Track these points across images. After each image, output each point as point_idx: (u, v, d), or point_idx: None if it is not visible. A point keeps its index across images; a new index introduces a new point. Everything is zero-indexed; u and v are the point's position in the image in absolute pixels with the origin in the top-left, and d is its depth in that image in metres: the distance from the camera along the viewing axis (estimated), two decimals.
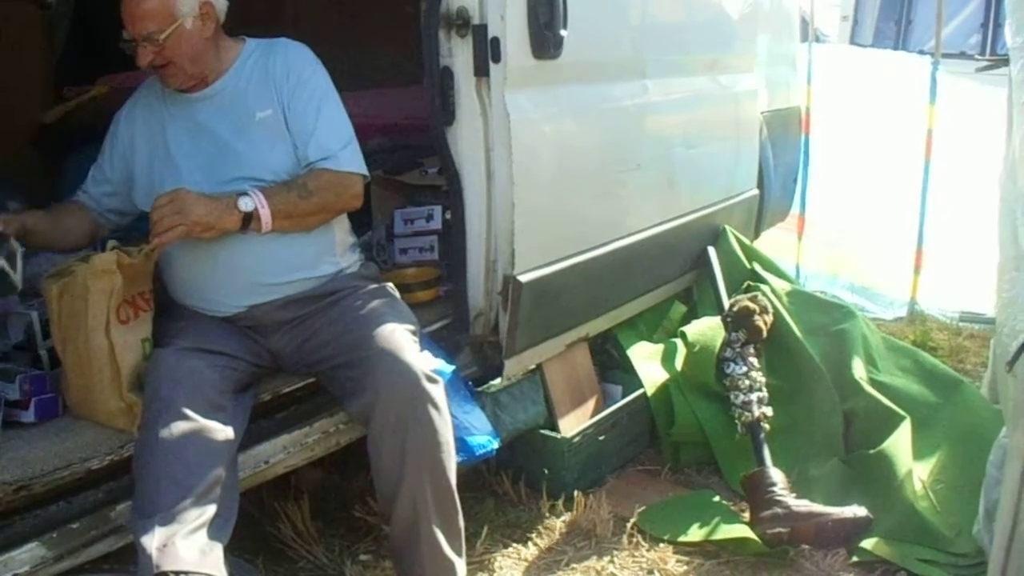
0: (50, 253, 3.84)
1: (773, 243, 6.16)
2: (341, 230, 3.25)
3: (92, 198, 3.26)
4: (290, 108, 3.10)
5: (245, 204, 2.91)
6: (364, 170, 3.18)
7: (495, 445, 3.42)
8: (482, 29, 3.39)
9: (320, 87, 3.16)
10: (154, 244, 2.85)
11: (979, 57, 9.95)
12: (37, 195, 4.18)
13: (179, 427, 2.70)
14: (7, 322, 3.24)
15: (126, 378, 2.87)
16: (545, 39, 3.49)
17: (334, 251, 3.20)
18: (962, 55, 10.60)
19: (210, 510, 2.65)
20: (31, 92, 4.97)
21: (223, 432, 2.77)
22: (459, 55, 3.42)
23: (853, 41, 12.26)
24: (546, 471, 3.89)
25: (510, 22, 3.41)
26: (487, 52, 3.40)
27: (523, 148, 3.48)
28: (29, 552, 2.50)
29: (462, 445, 3.22)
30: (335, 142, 3.11)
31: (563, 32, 3.52)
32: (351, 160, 3.13)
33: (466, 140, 3.47)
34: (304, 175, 3.06)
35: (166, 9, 2.94)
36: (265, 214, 2.93)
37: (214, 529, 2.65)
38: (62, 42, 5.37)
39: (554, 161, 3.71)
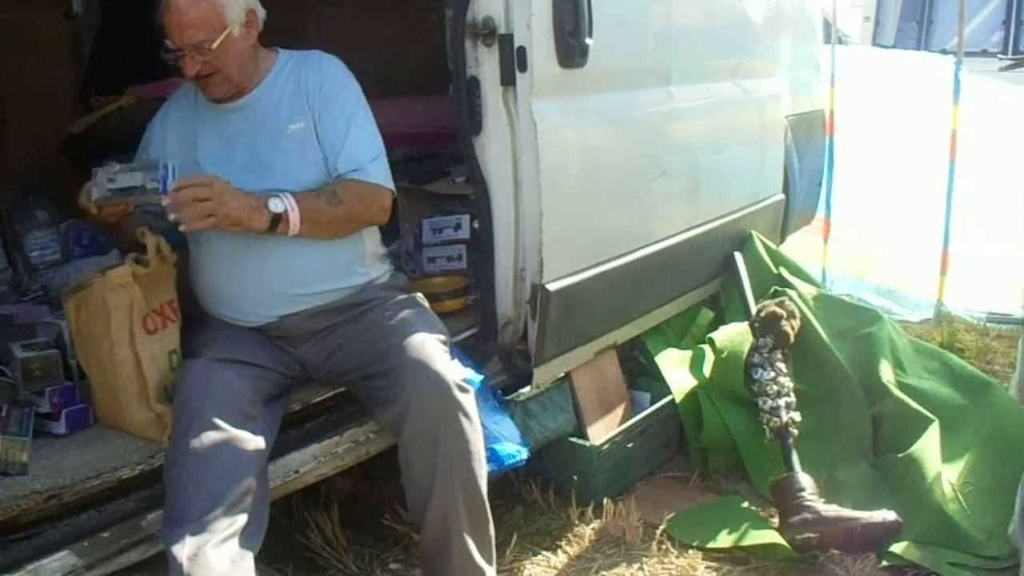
0: (78, 262, 3.89)
1: (799, 247, 6.15)
2: (371, 241, 3.26)
3: None
4: (321, 120, 3.10)
5: (275, 205, 2.91)
6: (392, 185, 3.18)
7: (524, 455, 3.43)
8: (508, 38, 3.39)
9: (351, 100, 3.17)
10: (184, 229, 2.84)
11: (1001, 56, 9.91)
12: (65, 205, 4.21)
13: (210, 437, 2.72)
14: (37, 332, 3.26)
15: (153, 389, 2.89)
16: (571, 48, 3.49)
17: (364, 261, 3.21)
18: (984, 53, 10.58)
19: (241, 519, 2.68)
20: (58, 102, 4.99)
21: (253, 442, 2.79)
22: (485, 64, 3.42)
23: (875, 42, 12.23)
24: (575, 478, 3.89)
25: (536, 31, 3.41)
26: (513, 61, 3.41)
27: (550, 157, 3.48)
28: (60, 560, 2.52)
29: (492, 455, 3.23)
30: (365, 155, 3.12)
31: (589, 41, 3.51)
32: (380, 173, 3.14)
33: (493, 149, 3.47)
34: (333, 183, 3.06)
35: (216, 17, 2.95)
36: (294, 216, 2.93)
37: (244, 538, 2.68)
38: (89, 52, 5.40)
39: (581, 169, 3.72)
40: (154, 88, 4.34)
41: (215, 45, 2.94)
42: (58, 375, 2.99)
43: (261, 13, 3.11)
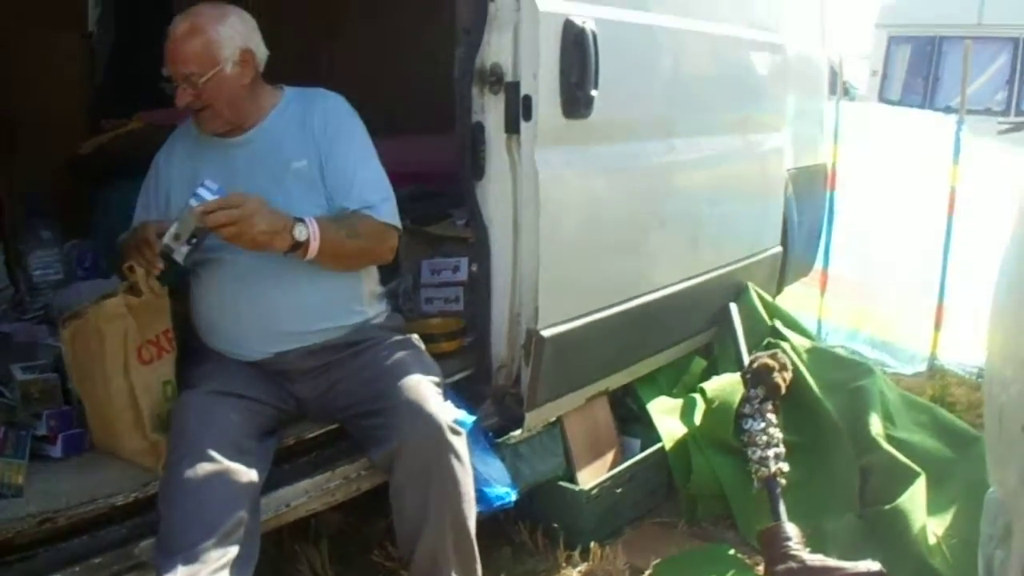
0: (79, 284, 3.92)
1: (796, 298, 6.18)
2: (369, 280, 3.29)
3: None
4: (328, 160, 3.13)
5: (300, 233, 2.91)
6: (400, 225, 3.22)
7: (513, 497, 3.44)
8: (514, 87, 3.43)
9: (358, 140, 3.21)
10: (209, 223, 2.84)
11: (1001, 121, 9.98)
12: (71, 224, 4.25)
13: (204, 468, 2.74)
14: (36, 352, 3.29)
15: (148, 419, 2.91)
16: (576, 99, 3.53)
17: (362, 300, 3.24)
18: (988, 111, 10.66)
19: (232, 551, 2.70)
20: (70, 121, 5.03)
21: (247, 474, 2.81)
22: (491, 111, 3.45)
23: (882, 95, 12.33)
24: (563, 522, 3.91)
25: (542, 81, 3.44)
26: (519, 110, 3.44)
27: (551, 206, 3.52)
28: None
29: (480, 496, 3.24)
30: (374, 195, 3.15)
31: (594, 92, 3.55)
32: (391, 213, 3.18)
33: (495, 196, 3.50)
34: (352, 216, 3.09)
35: (208, 53, 2.99)
36: (314, 246, 2.94)
37: (235, 569, 2.70)
38: (102, 72, 5.45)
39: (581, 219, 3.75)
40: (163, 115, 4.34)
41: (204, 80, 2.99)
42: (57, 399, 3.03)
43: (261, 53, 3.15)
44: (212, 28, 3.02)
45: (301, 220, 2.94)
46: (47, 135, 4.79)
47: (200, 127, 3.15)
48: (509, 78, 3.44)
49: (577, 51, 3.51)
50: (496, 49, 3.42)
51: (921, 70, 12.42)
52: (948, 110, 8.71)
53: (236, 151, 3.17)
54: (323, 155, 3.15)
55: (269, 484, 2.97)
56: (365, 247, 3.13)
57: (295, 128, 3.18)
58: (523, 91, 3.44)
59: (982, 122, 9.11)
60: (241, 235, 2.84)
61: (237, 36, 3.06)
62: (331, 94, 3.29)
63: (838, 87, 7.20)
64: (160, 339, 2.99)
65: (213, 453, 2.77)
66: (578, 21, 3.52)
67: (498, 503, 3.38)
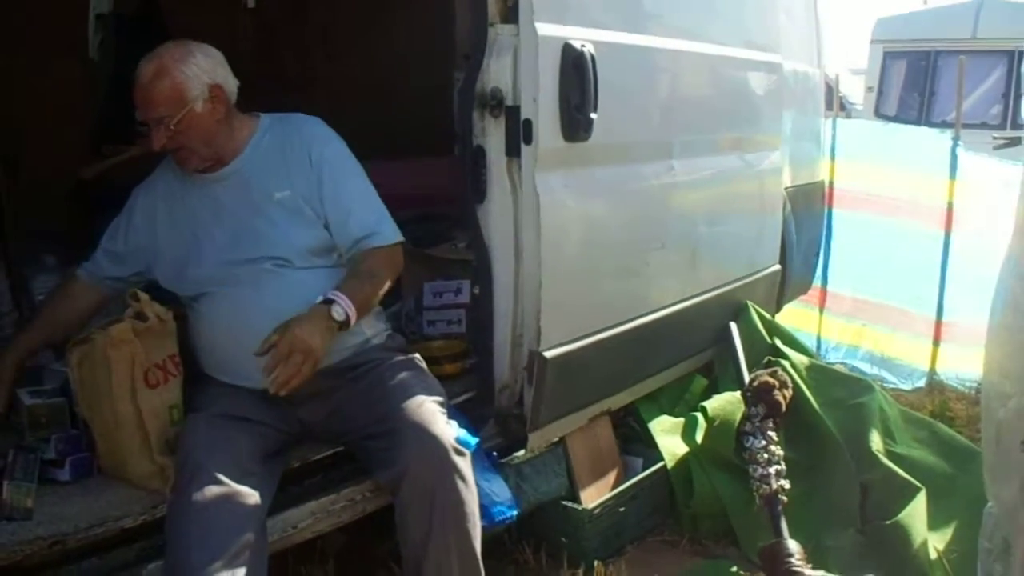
0: None
1: (795, 315, 6.22)
2: None
3: (97, 266, 3.33)
4: (321, 189, 3.16)
5: (338, 314, 2.95)
6: (402, 237, 3.26)
7: (514, 512, 3.46)
8: (515, 111, 3.45)
9: (344, 161, 3.24)
10: (277, 389, 2.87)
11: (996, 136, 10.01)
12: (72, 249, 4.26)
13: (211, 491, 2.75)
14: (42, 376, 3.31)
15: (155, 442, 2.92)
16: (576, 122, 3.56)
17: (359, 322, 3.20)
18: (984, 125, 10.69)
19: (239, 573, 2.70)
20: (71, 146, 5.04)
21: (253, 497, 2.82)
22: (492, 135, 3.47)
23: (878, 111, 12.35)
24: (567, 541, 3.92)
25: (542, 104, 3.47)
26: (519, 133, 3.46)
27: (551, 228, 3.55)
28: None
29: (483, 511, 3.24)
30: (372, 216, 3.19)
31: (593, 115, 3.58)
32: (393, 231, 3.22)
33: (496, 219, 3.51)
34: (362, 260, 3.14)
35: (176, 94, 3.01)
36: (353, 315, 2.99)
37: None
38: (103, 99, 5.46)
39: (582, 241, 3.78)
40: None
41: (175, 122, 3.01)
42: (64, 423, 3.05)
43: (231, 86, 3.16)
44: (177, 69, 3.03)
45: (329, 301, 2.97)
46: (49, 160, 4.81)
47: (181, 166, 3.17)
48: (509, 102, 3.46)
49: (576, 75, 3.54)
50: (496, 73, 3.44)
51: (917, 85, 12.45)
52: (944, 125, 8.75)
53: (218, 186, 3.20)
54: (313, 184, 3.17)
55: (275, 506, 2.99)
56: (385, 281, 3.17)
57: (275, 156, 3.20)
58: (523, 115, 3.46)
59: (978, 136, 9.14)
60: (313, 362, 2.89)
61: (203, 73, 3.08)
62: (309, 119, 3.31)
63: (834, 103, 7.24)
64: (167, 363, 3.01)
65: (220, 476, 2.79)
66: (577, 45, 3.55)
67: (500, 518, 3.40)
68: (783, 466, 4.08)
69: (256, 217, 3.13)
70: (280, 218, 3.13)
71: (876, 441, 4.29)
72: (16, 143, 4.74)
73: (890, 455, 4.26)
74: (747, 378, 4.43)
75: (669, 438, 4.42)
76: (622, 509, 4.08)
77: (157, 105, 3.01)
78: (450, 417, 3.17)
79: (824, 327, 6.97)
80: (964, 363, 6.16)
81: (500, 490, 3.50)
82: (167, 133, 3.02)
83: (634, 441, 4.51)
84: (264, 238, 3.11)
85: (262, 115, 3.30)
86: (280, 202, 3.15)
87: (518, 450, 3.75)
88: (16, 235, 4.31)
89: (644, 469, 4.30)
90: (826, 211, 6.67)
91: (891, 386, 6.06)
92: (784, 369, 4.43)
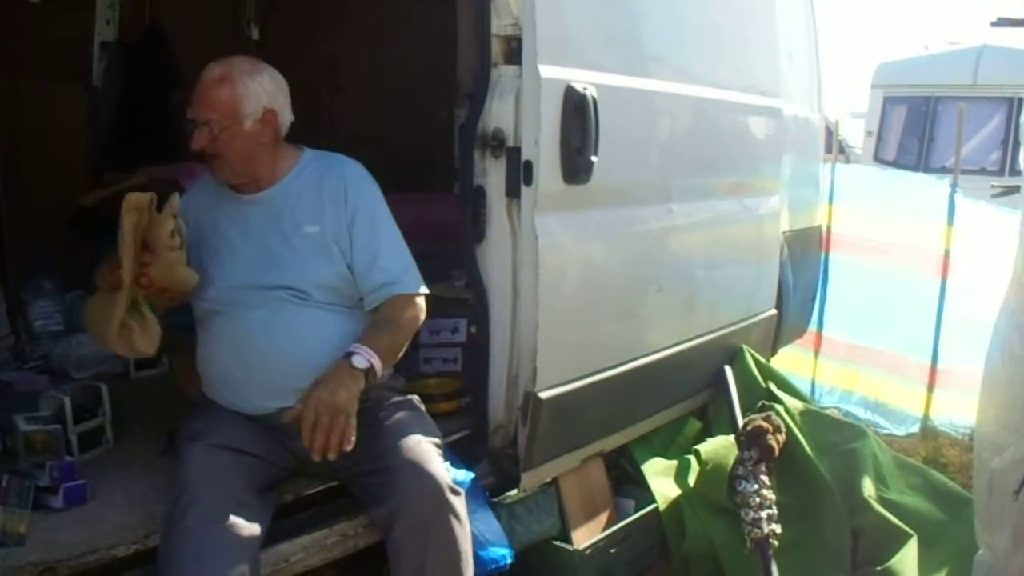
0: (80, 337, 3.95)
1: (790, 359, 6.23)
2: None
3: None
4: (352, 231, 3.19)
5: (359, 362, 2.99)
6: (426, 289, 3.28)
7: (508, 560, 3.47)
8: (516, 152, 3.47)
9: (380, 211, 3.28)
10: (322, 456, 2.93)
11: (994, 184, 10.04)
12: (73, 275, 4.27)
13: (205, 520, 2.76)
14: (39, 402, 3.32)
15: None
16: (576, 164, 3.57)
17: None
18: (982, 171, 10.71)
19: None
20: (73, 173, 5.07)
21: (248, 528, 2.82)
22: (492, 175, 3.50)
23: (877, 156, 12.37)
24: None
25: (543, 146, 3.48)
26: (519, 175, 3.48)
27: (549, 269, 3.55)
28: None
29: (476, 559, 3.25)
30: (397, 265, 3.22)
31: (594, 158, 3.59)
32: (415, 282, 3.25)
33: (494, 259, 3.54)
34: (384, 311, 3.18)
35: (231, 105, 3.06)
36: (377, 364, 3.03)
37: None
38: (107, 126, 5.47)
39: (579, 282, 3.79)
40: (167, 170, 4.40)
41: (221, 129, 3.05)
42: (59, 450, 3.07)
43: (285, 117, 3.21)
44: (241, 81, 3.09)
45: (355, 352, 3.01)
46: (50, 186, 4.83)
47: (212, 173, 3.20)
48: (511, 143, 3.48)
49: (578, 117, 3.55)
50: (498, 114, 3.47)
51: (916, 130, 12.48)
52: (943, 171, 8.78)
53: (250, 208, 3.23)
54: (344, 225, 3.19)
55: (268, 539, 2.98)
56: (409, 331, 3.22)
57: (311, 192, 3.23)
58: (524, 156, 3.48)
59: (976, 182, 9.17)
60: (345, 416, 2.93)
61: (264, 94, 3.12)
62: (350, 161, 3.33)
63: (834, 148, 7.27)
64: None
65: (214, 506, 2.80)
66: (579, 87, 3.56)
67: (493, 567, 3.41)
68: (775, 510, 4.08)
69: (281, 246, 3.16)
70: (306, 251, 3.16)
71: (868, 487, 4.30)
72: (17, 169, 4.75)
73: (882, 501, 4.27)
74: (741, 422, 4.44)
75: (662, 480, 4.41)
76: (613, 550, 4.07)
77: (210, 108, 3.06)
78: (446, 458, 3.19)
79: (819, 371, 6.99)
80: (958, 409, 6.17)
81: (494, 535, 3.51)
82: (209, 136, 3.06)
83: (627, 483, 4.50)
84: (286, 268, 3.14)
85: (306, 149, 3.33)
86: (309, 236, 3.17)
87: (511, 489, 3.75)
88: (15, 260, 4.32)
89: (636, 511, 4.29)
90: (823, 256, 6.68)
91: (885, 431, 6.08)
92: (778, 413, 4.44)
